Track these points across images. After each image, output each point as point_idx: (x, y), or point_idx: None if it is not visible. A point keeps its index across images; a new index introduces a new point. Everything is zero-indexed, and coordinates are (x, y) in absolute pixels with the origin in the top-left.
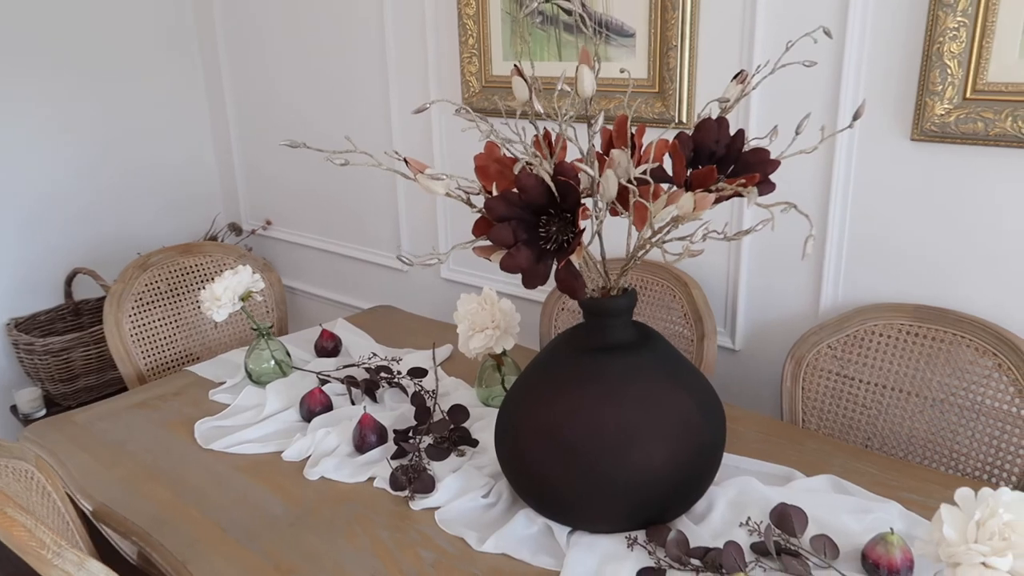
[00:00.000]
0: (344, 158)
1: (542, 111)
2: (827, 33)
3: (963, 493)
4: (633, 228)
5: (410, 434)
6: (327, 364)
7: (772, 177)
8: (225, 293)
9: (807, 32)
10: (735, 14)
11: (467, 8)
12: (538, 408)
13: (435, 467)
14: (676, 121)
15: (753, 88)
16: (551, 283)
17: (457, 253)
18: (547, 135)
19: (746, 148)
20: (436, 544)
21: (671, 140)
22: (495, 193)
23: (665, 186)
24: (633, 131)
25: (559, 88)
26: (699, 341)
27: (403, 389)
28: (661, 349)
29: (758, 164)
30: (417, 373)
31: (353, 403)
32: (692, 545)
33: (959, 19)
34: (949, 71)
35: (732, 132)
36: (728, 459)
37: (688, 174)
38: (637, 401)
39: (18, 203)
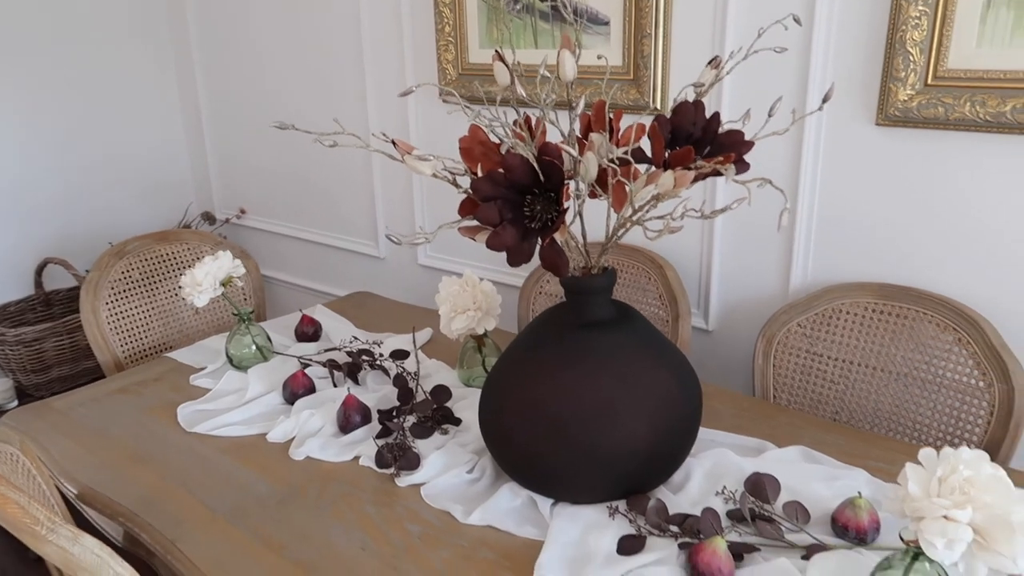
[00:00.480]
0: (333, 139)
1: (525, 95)
2: (796, 20)
3: (926, 453)
4: (612, 210)
5: (394, 414)
6: (308, 349)
7: (746, 159)
8: (206, 279)
9: (778, 19)
10: (707, 2)
11: None
12: (522, 384)
13: (419, 445)
14: (651, 107)
15: (727, 73)
16: (528, 268)
17: (436, 242)
18: (527, 120)
19: (721, 130)
20: (422, 518)
21: (648, 124)
22: (480, 174)
23: (643, 168)
24: (611, 116)
25: (541, 73)
26: (674, 322)
27: (385, 371)
28: (640, 326)
29: (733, 145)
30: (399, 355)
31: (335, 386)
32: (671, 513)
33: (921, 8)
34: (911, 58)
35: (708, 115)
36: (704, 433)
37: (666, 155)
38: (618, 376)
39: None
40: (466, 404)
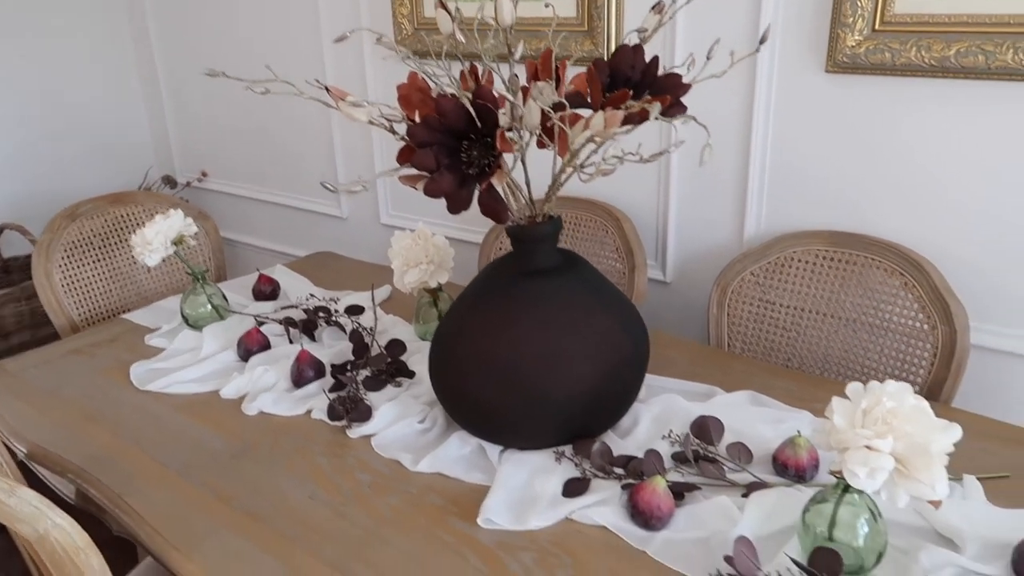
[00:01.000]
0: (264, 87)
1: (464, 40)
2: None
3: (854, 387)
4: (559, 157)
5: (348, 368)
6: (265, 307)
7: (693, 108)
8: (156, 237)
9: None
10: None
11: None
12: (468, 334)
13: (372, 398)
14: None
15: (670, 18)
16: (488, 224)
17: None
18: (473, 69)
19: (661, 73)
20: (373, 467)
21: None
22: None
23: (587, 113)
24: (557, 65)
25: (478, 19)
26: (630, 273)
27: (341, 327)
28: (586, 273)
29: (670, 87)
30: (354, 311)
31: (291, 342)
32: (616, 456)
33: None
34: (859, 3)
35: (648, 59)
36: (655, 380)
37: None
38: (563, 322)
39: None
40: (420, 358)
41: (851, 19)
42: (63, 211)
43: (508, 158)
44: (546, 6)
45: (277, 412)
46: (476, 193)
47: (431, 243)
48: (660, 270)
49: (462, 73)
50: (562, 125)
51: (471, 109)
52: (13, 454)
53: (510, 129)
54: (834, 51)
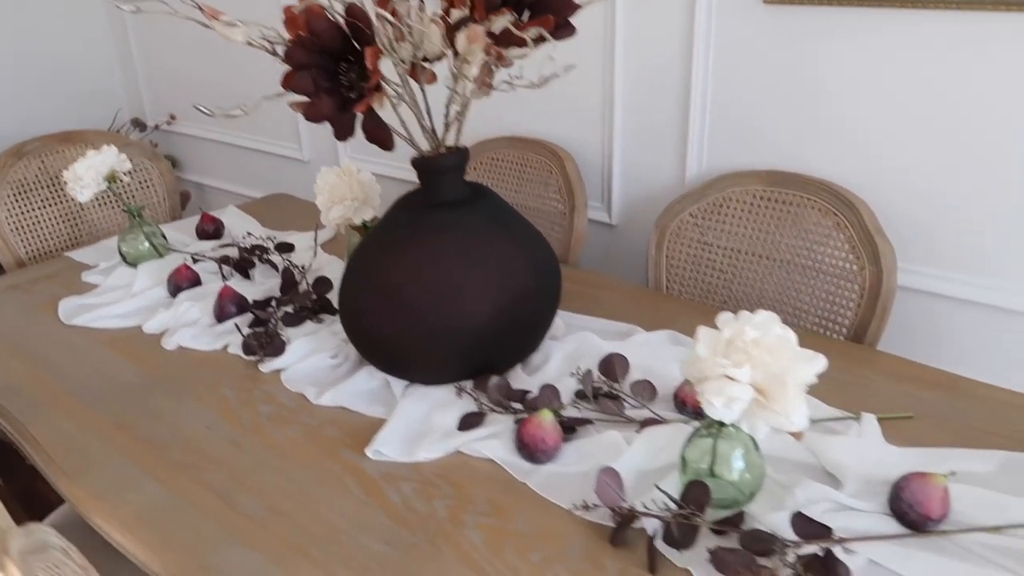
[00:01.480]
0: (135, 6)
1: None
2: None
3: (723, 317)
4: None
5: (270, 304)
6: (207, 246)
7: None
8: (88, 173)
9: None
10: None
11: None
12: (372, 267)
13: (290, 333)
14: None
15: None
16: None
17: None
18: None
19: None
20: (278, 400)
21: None
22: None
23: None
24: None
25: None
26: (570, 214)
27: (274, 266)
28: (494, 206)
29: (557, 7)
30: (284, 248)
31: (225, 279)
32: (515, 390)
33: None
34: None
35: None
36: (577, 319)
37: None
38: (463, 256)
39: None
40: None
41: None
42: (9, 149)
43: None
44: None
45: (196, 347)
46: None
47: (355, 179)
48: (606, 212)
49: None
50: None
51: (344, 27)
52: None
53: (388, 50)
54: None
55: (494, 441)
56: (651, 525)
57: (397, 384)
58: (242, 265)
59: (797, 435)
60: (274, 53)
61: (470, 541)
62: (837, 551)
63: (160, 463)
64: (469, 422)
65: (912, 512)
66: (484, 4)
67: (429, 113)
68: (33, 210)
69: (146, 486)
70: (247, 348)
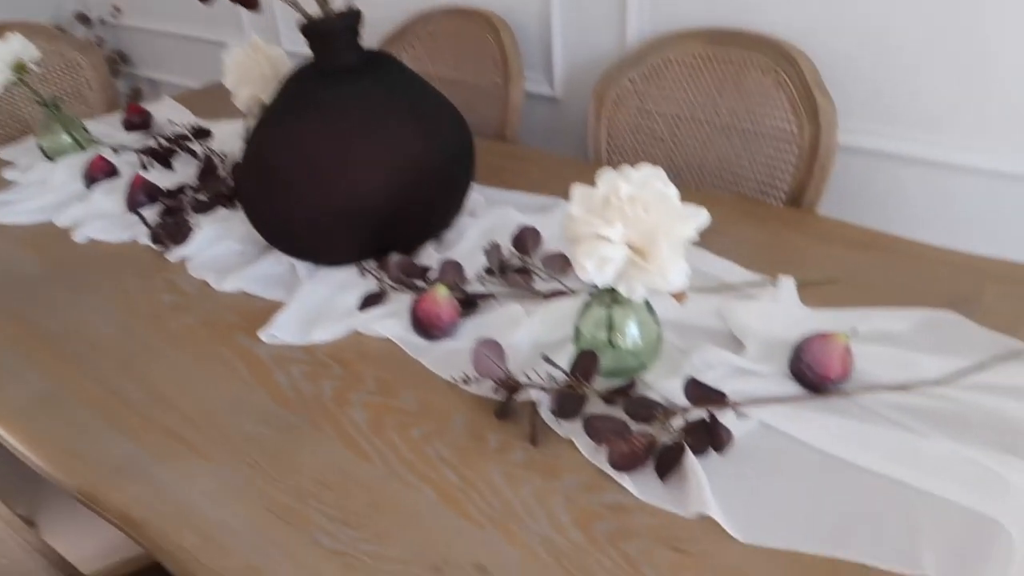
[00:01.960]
0: None
1: None
2: None
3: (605, 174)
4: None
5: (183, 192)
6: (133, 138)
7: None
8: None
9: None
10: None
11: None
12: (263, 142)
13: (202, 221)
14: None
15: None
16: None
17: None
18: None
19: None
20: (179, 288)
21: None
22: None
23: None
24: None
25: None
26: (505, 85)
27: (196, 155)
28: (394, 75)
29: None
30: (202, 135)
31: (146, 170)
32: (416, 267)
33: None
34: None
35: None
36: (499, 194)
37: None
38: (356, 129)
39: None
40: None
41: None
42: None
43: None
44: None
45: (105, 238)
46: None
47: (265, 56)
48: (547, 84)
49: None
50: None
51: None
52: None
53: None
54: None
55: (391, 320)
56: (539, 398)
57: (303, 268)
58: (162, 155)
59: (678, 297)
60: None
61: (352, 420)
62: (729, 416)
63: (50, 356)
64: (369, 302)
65: (811, 373)
66: None
67: None
68: None
69: (32, 379)
70: (154, 237)
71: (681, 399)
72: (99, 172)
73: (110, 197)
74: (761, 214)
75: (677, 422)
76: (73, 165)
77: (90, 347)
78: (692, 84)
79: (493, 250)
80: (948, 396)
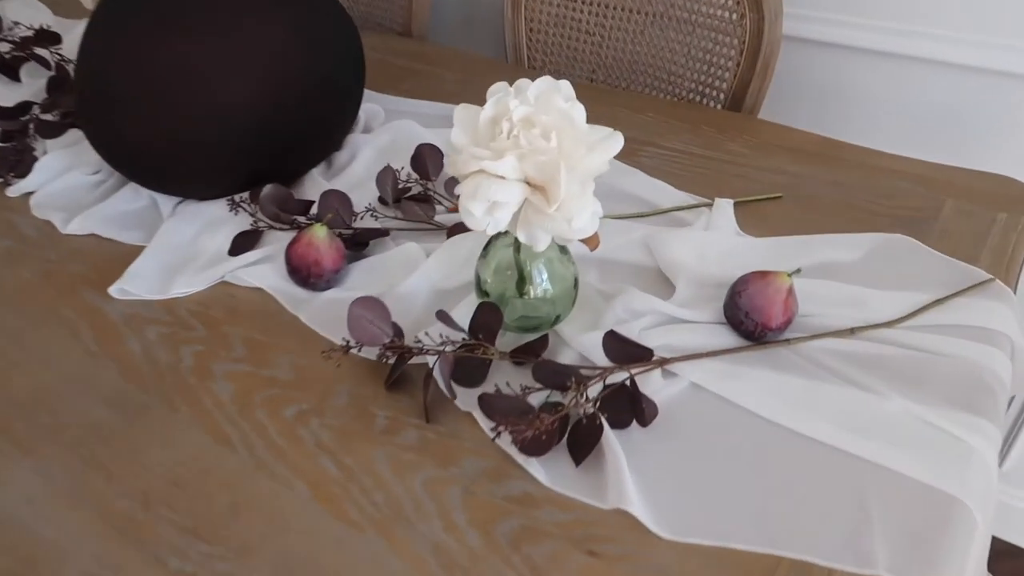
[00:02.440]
0: None
1: None
2: None
3: (495, 87)
4: None
5: (28, 111)
6: None
7: None
8: None
9: None
10: None
11: None
12: (97, 47)
13: (49, 146)
14: None
15: None
16: None
17: None
18: None
19: None
20: (18, 232)
21: None
22: None
23: None
24: None
25: None
26: None
27: (45, 63)
28: None
29: None
30: (47, 38)
31: None
32: (298, 201)
33: None
34: None
35: None
36: (402, 104)
37: None
38: (208, 27)
39: None
40: None
41: None
42: None
43: None
44: None
45: None
46: None
47: None
48: None
49: None
50: None
51: None
52: None
53: None
54: None
55: (266, 266)
56: (434, 363)
57: (166, 203)
58: (8, 64)
59: (590, 242)
60: None
61: (215, 397)
62: (656, 377)
63: None
64: (242, 243)
65: (748, 321)
66: None
67: None
68: None
69: None
70: None
71: (601, 356)
72: None
73: None
74: (697, 119)
75: (596, 388)
76: None
77: None
78: None
79: (384, 175)
80: (902, 341)
